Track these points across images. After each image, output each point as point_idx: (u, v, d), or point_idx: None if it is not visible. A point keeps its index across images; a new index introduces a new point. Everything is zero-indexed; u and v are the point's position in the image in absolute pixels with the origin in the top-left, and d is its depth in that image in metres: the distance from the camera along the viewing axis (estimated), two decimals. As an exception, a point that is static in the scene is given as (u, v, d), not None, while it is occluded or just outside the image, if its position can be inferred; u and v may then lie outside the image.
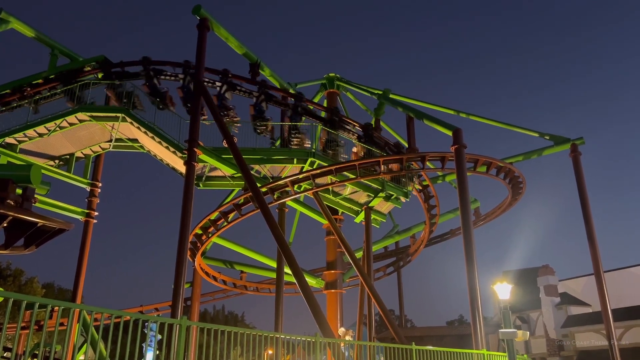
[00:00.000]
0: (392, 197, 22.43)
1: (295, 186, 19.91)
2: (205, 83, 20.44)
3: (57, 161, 22.34)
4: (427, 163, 19.72)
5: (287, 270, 19.91)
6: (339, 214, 24.73)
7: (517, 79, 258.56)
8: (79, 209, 22.36)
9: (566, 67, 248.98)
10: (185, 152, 17.92)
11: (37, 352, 23.64)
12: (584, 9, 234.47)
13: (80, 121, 20.58)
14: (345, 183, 20.59)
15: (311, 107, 23.14)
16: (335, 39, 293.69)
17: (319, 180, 19.96)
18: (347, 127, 23.34)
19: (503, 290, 13.73)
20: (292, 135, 21.15)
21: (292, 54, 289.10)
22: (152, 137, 20.05)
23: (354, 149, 22.61)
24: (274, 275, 23.55)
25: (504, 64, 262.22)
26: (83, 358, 23.33)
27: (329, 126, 22.36)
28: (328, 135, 21.91)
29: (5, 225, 11.80)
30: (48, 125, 20.14)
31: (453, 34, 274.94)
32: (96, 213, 23.01)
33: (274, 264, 23.72)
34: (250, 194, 17.66)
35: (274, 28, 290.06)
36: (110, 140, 22.42)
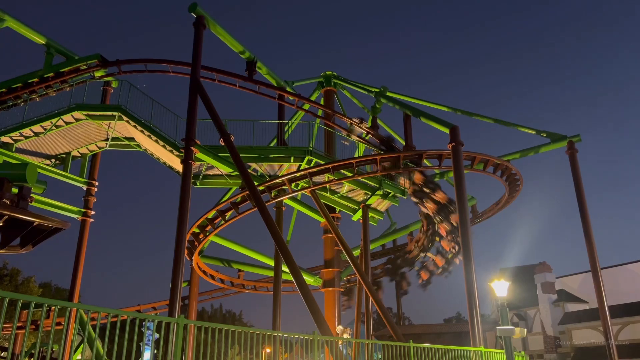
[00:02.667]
0: (390, 195, 22.43)
1: (293, 184, 19.88)
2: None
3: (53, 160, 22.27)
4: (425, 161, 19.73)
5: (284, 268, 19.90)
6: (337, 212, 24.73)
7: (513, 77, 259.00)
8: (75, 208, 22.29)
9: (563, 66, 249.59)
10: (182, 150, 17.87)
11: (33, 352, 23.58)
12: (581, 8, 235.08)
13: (77, 120, 20.51)
14: (343, 181, 20.59)
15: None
16: (333, 37, 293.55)
17: (316, 179, 19.94)
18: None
19: (500, 288, 13.74)
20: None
21: (289, 53, 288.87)
22: (149, 136, 19.99)
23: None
24: (271, 273, 23.53)
25: (501, 63, 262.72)
26: (80, 357, 23.25)
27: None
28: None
29: (1, 224, 11.75)
30: (44, 124, 20.07)
31: (450, 34, 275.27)
32: (93, 212, 22.95)
33: (271, 263, 23.71)
34: (248, 192, 17.63)
35: (271, 27, 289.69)
36: (107, 139, 22.35)
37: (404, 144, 23.97)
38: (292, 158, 20.79)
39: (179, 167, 19.80)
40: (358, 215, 23.06)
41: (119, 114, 19.97)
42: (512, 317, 37.14)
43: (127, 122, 20.16)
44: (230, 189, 26.07)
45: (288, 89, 24.93)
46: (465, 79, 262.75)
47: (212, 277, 28.23)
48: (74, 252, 22.36)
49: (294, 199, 22.98)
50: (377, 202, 23.07)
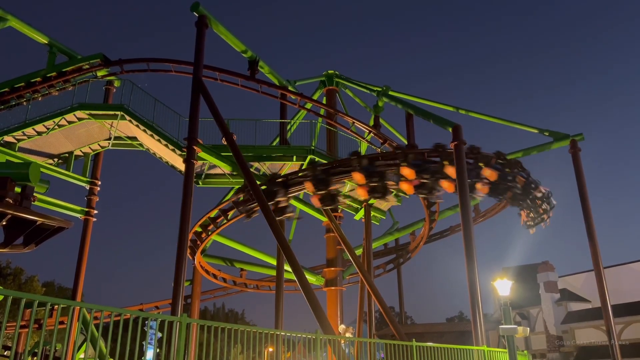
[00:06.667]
0: (392, 194, 22.37)
1: (295, 183, 19.83)
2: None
3: (56, 159, 22.33)
4: (427, 160, 19.62)
5: (287, 267, 19.90)
6: (339, 211, 24.71)
7: (516, 77, 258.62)
8: (78, 207, 22.35)
9: (566, 65, 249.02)
10: (185, 149, 17.89)
11: (36, 351, 23.65)
12: (583, 9, 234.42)
13: (79, 119, 20.55)
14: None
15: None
16: (335, 36, 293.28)
17: (318, 178, 19.86)
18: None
19: (503, 287, 13.72)
20: None
21: (291, 52, 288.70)
22: (151, 135, 20.03)
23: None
24: (274, 272, 23.53)
25: (503, 62, 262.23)
26: (83, 356, 23.32)
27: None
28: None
29: (4, 223, 11.77)
30: (47, 123, 20.11)
31: (453, 33, 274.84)
32: (95, 211, 23.00)
33: (274, 262, 23.70)
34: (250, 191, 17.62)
35: (273, 26, 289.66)
36: (109, 139, 22.39)
37: (406, 143, 23.95)
38: (294, 157, 20.79)
39: (181, 166, 19.82)
40: (360, 214, 23.03)
41: (122, 113, 20.00)
42: (515, 317, 37.11)
43: (130, 121, 20.20)
44: (233, 188, 26.09)
45: (290, 88, 24.92)
46: (467, 78, 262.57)
47: (215, 277, 28.23)
48: (77, 251, 22.42)
49: (296, 197, 22.96)
50: (379, 201, 23.03)
